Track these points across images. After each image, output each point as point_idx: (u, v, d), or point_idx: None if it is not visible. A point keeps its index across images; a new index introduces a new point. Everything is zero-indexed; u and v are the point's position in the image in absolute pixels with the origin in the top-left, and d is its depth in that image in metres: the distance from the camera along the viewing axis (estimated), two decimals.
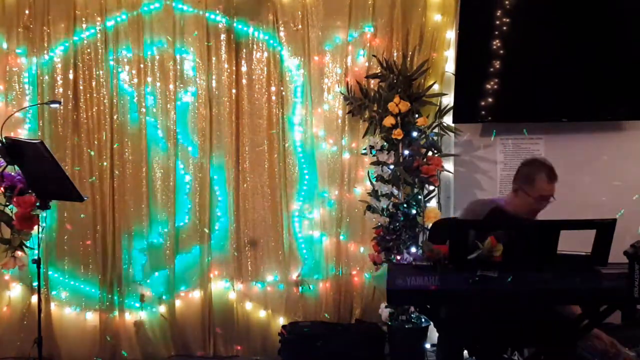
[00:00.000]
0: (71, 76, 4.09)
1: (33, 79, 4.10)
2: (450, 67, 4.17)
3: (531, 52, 3.90)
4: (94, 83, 4.11)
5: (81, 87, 4.11)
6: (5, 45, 4.09)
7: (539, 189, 2.95)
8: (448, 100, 4.13)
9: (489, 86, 3.93)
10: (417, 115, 3.97)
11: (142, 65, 4.12)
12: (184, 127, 4.21)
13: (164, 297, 4.19)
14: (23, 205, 3.31)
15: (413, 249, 3.92)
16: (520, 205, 3.02)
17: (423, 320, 3.93)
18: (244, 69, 4.19)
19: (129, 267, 4.17)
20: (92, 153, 4.10)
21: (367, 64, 4.17)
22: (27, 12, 4.06)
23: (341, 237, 4.25)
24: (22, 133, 4.10)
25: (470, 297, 2.47)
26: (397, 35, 4.13)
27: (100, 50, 4.10)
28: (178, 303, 4.20)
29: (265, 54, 4.17)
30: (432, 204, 4.13)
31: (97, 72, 4.10)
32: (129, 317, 4.18)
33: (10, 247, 3.47)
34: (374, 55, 4.11)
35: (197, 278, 4.21)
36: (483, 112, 3.98)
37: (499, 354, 2.90)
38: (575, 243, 2.52)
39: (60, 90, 4.10)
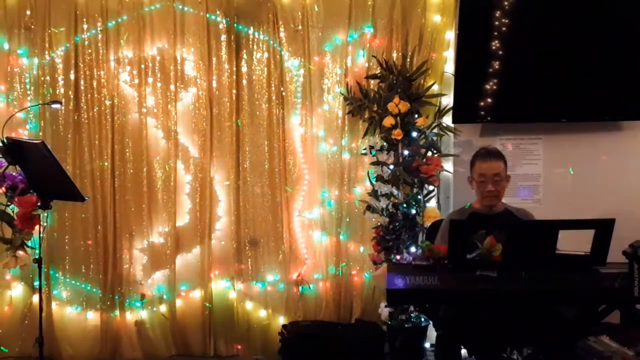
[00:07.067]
0: (72, 76, 4.11)
1: (34, 79, 4.11)
2: (449, 67, 4.17)
3: (530, 53, 3.90)
4: (94, 83, 4.12)
5: (82, 88, 4.13)
6: (6, 46, 4.11)
7: (477, 169, 3.12)
8: (448, 100, 4.14)
9: (488, 86, 3.93)
10: (416, 116, 3.98)
11: (142, 66, 4.14)
12: (184, 127, 4.22)
13: (164, 296, 4.21)
14: (24, 205, 3.33)
15: (413, 249, 3.93)
16: (477, 193, 3.16)
17: (423, 320, 3.94)
18: (244, 69, 4.20)
19: (129, 267, 4.18)
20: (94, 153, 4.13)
21: (366, 64, 4.17)
22: (28, 12, 4.08)
23: (341, 237, 4.26)
24: (24, 133, 4.12)
25: (469, 297, 2.48)
26: (396, 35, 4.14)
27: (101, 51, 4.12)
28: (179, 303, 4.21)
29: (266, 55, 4.19)
30: (432, 204, 4.14)
31: (98, 73, 4.12)
32: (130, 317, 4.19)
33: (11, 246, 3.48)
34: (373, 56, 4.12)
35: (198, 278, 4.23)
36: (482, 113, 3.98)
37: (499, 354, 2.91)
38: (574, 243, 2.53)
39: (62, 90, 4.12)
